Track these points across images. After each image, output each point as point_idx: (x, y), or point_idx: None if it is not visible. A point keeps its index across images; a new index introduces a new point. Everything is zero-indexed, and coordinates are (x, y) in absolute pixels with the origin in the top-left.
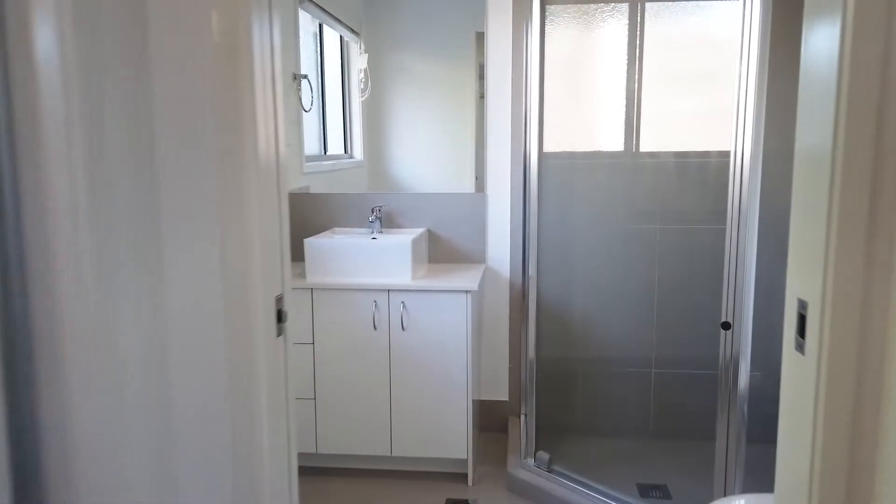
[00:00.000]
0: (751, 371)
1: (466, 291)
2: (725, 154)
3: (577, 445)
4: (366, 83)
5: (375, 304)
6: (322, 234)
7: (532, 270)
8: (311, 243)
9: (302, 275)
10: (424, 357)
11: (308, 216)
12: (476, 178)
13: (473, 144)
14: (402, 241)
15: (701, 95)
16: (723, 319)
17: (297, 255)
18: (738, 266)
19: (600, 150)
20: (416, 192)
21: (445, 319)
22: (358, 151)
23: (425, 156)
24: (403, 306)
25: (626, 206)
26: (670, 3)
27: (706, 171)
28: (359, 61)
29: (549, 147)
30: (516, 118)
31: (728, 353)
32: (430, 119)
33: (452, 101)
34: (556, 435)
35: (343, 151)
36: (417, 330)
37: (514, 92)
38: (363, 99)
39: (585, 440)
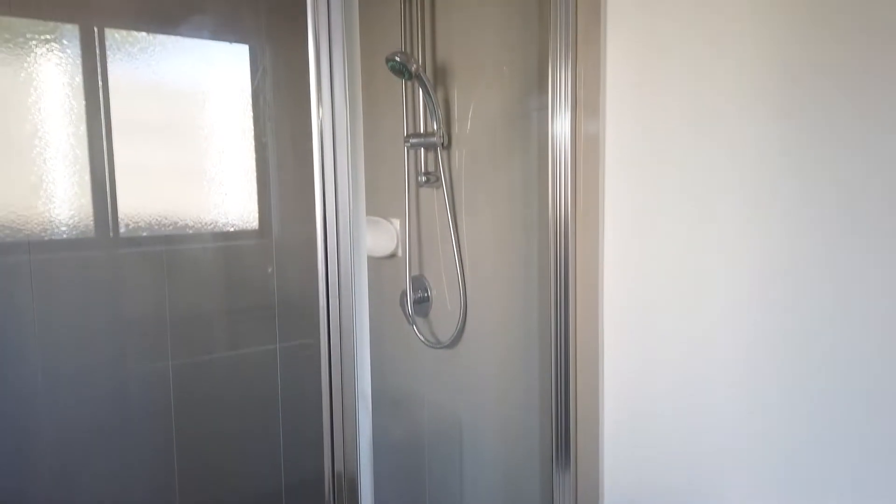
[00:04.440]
0: None
1: None
2: (251, 234)
3: None
4: None
5: None
6: None
7: None
8: None
9: None
10: None
11: None
12: None
13: None
14: None
15: (200, 153)
16: None
17: None
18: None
19: (54, 228)
20: None
21: None
22: None
23: None
24: None
25: (109, 335)
26: (157, 35)
27: (233, 260)
28: None
29: None
30: None
31: None
32: None
33: None
34: None
35: None
36: None
37: None
38: None
39: None
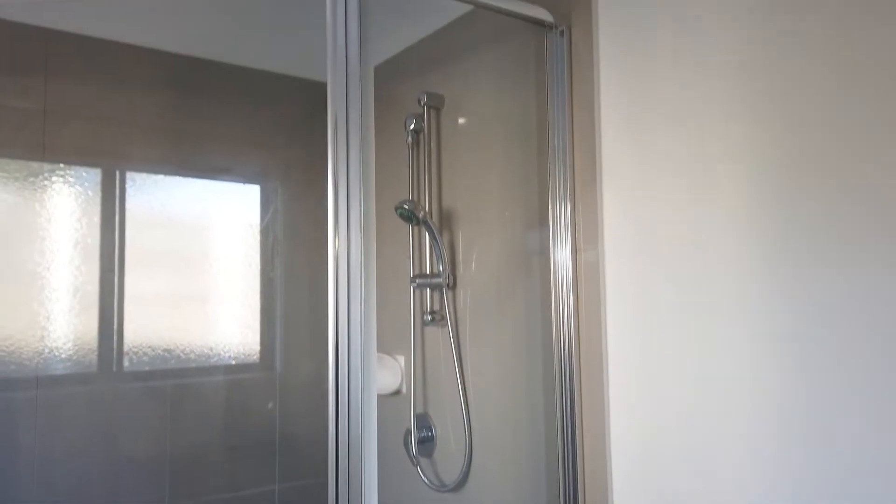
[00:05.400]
0: None
1: None
2: (254, 367)
3: None
4: None
5: None
6: None
7: None
8: None
9: None
10: None
11: None
12: None
13: None
14: None
15: (206, 287)
16: None
17: None
18: None
19: (61, 363)
20: None
21: None
22: None
23: None
24: None
25: (109, 475)
26: (174, 176)
27: (236, 395)
28: None
29: None
30: None
31: None
32: None
33: None
34: None
35: None
36: None
37: None
38: None
39: None
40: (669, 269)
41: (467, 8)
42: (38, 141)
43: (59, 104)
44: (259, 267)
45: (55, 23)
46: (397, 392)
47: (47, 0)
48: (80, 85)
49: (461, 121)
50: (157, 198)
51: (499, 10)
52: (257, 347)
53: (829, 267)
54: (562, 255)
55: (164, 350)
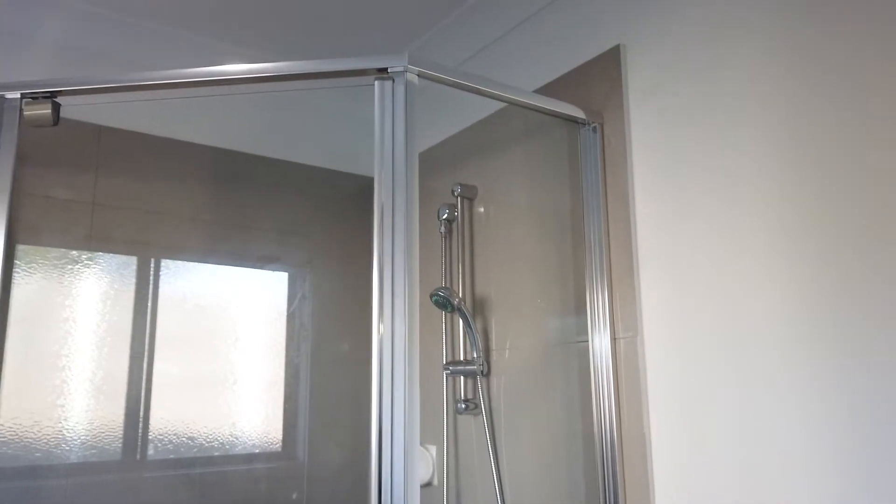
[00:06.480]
0: None
1: None
2: (275, 456)
3: None
4: None
5: None
6: None
7: None
8: None
9: None
10: None
11: None
12: None
13: None
14: None
15: (232, 375)
16: None
17: None
18: None
19: (85, 450)
20: None
21: None
22: None
23: None
24: None
25: None
26: (206, 264)
27: (261, 485)
28: None
29: None
30: None
31: None
32: None
33: None
34: None
35: None
36: None
37: None
38: None
39: None
40: (710, 353)
41: (502, 104)
42: (85, 233)
43: (108, 197)
44: (285, 354)
45: (108, 120)
46: (429, 484)
47: (106, 100)
48: (129, 178)
49: (494, 211)
50: (189, 284)
51: (532, 108)
52: (281, 436)
53: (877, 324)
54: (600, 343)
55: (188, 438)
